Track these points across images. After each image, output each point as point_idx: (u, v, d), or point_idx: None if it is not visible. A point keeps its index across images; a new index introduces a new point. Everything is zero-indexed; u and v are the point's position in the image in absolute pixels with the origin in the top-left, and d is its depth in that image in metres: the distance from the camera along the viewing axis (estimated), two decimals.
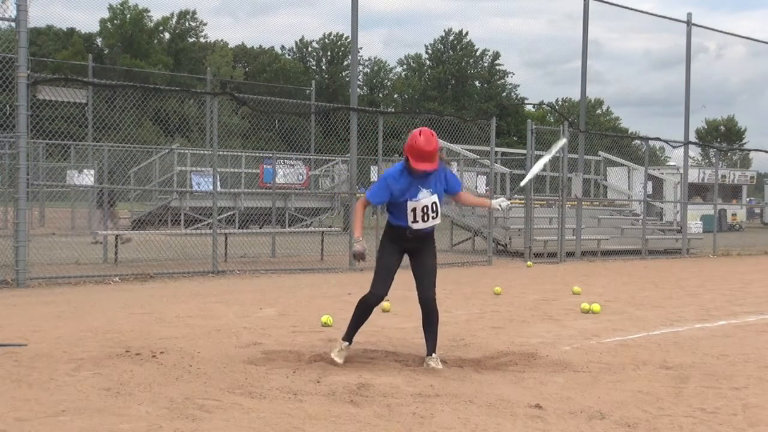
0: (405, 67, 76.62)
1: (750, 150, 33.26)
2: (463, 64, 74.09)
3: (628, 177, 24.23)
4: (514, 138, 54.80)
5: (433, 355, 5.94)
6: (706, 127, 64.43)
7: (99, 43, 63.49)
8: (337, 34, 71.96)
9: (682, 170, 22.72)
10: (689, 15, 20.41)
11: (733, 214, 36.52)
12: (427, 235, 5.99)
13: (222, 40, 67.06)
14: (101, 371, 5.51)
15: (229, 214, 20.62)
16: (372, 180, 18.79)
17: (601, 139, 25.55)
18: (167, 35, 67.60)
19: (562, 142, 6.34)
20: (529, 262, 16.01)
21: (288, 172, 22.85)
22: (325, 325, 7.54)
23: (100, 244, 14.24)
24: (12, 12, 10.35)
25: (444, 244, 17.71)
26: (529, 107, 64.78)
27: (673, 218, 23.20)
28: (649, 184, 22.14)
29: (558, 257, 17.08)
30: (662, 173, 27.75)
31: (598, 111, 72.35)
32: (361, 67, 67.00)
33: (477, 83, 76.07)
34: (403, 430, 4.37)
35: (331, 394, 5.05)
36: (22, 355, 5.97)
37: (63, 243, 14.54)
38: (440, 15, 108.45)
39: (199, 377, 5.43)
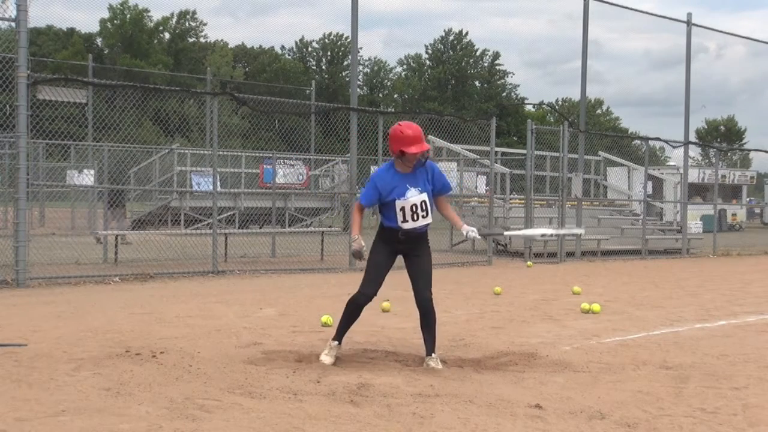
0: (405, 67, 76.72)
1: (750, 150, 33.30)
2: (463, 64, 74.10)
3: (628, 177, 24.21)
4: (514, 138, 54.78)
5: (433, 355, 5.94)
6: (706, 127, 64.43)
7: (99, 43, 63.48)
8: (337, 34, 72.05)
9: (682, 170, 22.73)
10: (689, 15, 20.43)
11: (733, 214, 36.51)
12: (420, 236, 5.96)
13: (222, 40, 67.14)
14: (101, 371, 5.51)
15: (229, 214, 20.62)
16: None
17: (601, 139, 25.56)
18: (167, 35, 67.59)
19: (580, 231, 6.14)
20: (529, 262, 16.01)
21: (288, 172, 22.86)
22: (325, 325, 7.54)
23: (103, 244, 14.21)
24: (12, 12, 10.37)
25: (444, 244, 17.72)
26: (529, 107, 64.83)
27: (673, 218, 23.19)
28: (649, 184, 22.14)
29: (558, 257, 17.08)
30: (662, 173, 27.74)
31: (598, 111, 72.32)
32: (361, 67, 67.03)
33: (477, 83, 76.08)
34: (403, 430, 4.37)
35: (331, 394, 5.05)
36: (22, 355, 5.97)
37: (63, 243, 14.53)
38: (440, 15, 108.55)
39: (199, 377, 5.43)
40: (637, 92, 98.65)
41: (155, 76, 45.26)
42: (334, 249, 14.91)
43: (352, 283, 6.00)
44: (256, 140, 32.69)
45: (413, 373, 5.71)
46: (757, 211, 43.58)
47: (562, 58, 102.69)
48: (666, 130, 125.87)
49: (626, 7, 19.81)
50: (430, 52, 75.64)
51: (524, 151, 18.13)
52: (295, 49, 74.24)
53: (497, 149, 18.80)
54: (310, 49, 74.88)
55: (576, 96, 26.85)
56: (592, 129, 31.49)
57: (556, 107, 59.79)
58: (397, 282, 6.06)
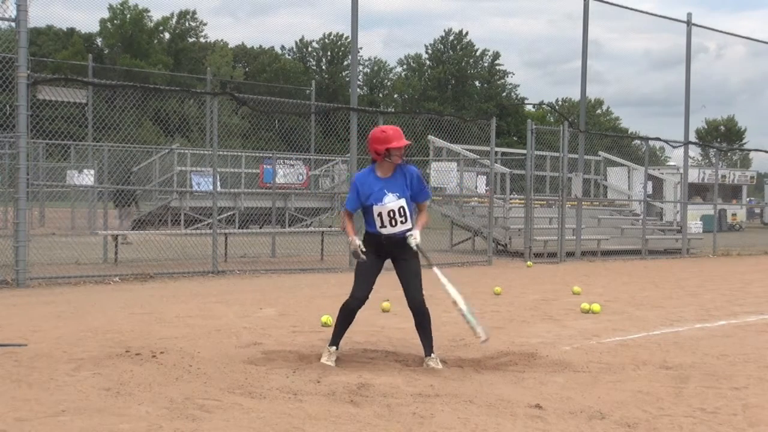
0: (405, 67, 76.73)
1: (750, 150, 33.29)
2: (463, 64, 74.11)
3: (628, 177, 24.20)
4: (514, 138, 54.76)
5: (433, 355, 5.94)
6: (706, 127, 64.41)
7: (99, 43, 63.49)
8: (337, 34, 72.04)
9: (682, 170, 22.72)
10: (689, 15, 20.42)
11: (733, 214, 36.51)
12: (404, 240, 5.91)
13: (222, 40, 67.15)
14: (101, 371, 5.51)
15: (229, 214, 20.61)
16: None
17: (601, 139, 25.55)
18: (167, 35, 67.60)
19: (479, 329, 5.83)
20: (529, 262, 16.01)
21: (288, 172, 22.84)
22: (325, 325, 7.53)
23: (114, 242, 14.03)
24: (12, 12, 10.37)
25: (444, 244, 17.72)
26: (529, 107, 64.90)
27: (673, 218, 23.19)
28: (649, 184, 22.13)
29: (558, 257, 17.08)
30: (662, 173, 27.73)
31: (598, 111, 72.32)
32: (361, 67, 67.03)
33: (477, 83, 76.09)
34: (403, 430, 4.37)
35: (331, 394, 5.05)
36: (22, 355, 5.97)
37: (63, 243, 14.53)
38: (440, 15, 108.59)
39: (199, 377, 5.43)
40: (637, 92, 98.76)
41: (155, 76, 45.26)
42: (334, 249, 14.91)
43: (351, 283, 6.02)
44: (256, 140, 32.67)
45: (413, 373, 5.71)
46: (757, 211, 43.59)
47: (562, 58, 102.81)
48: (666, 130, 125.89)
49: (626, 7, 19.81)
50: (430, 52, 75.68)
51: (524, 151, 18.13)
52: (295, 49, 74.33)
53: (497, 149, 18.80)
54: (310, 49, 74.92)
55: (576, 96, 26.85)
56: (592, 129, 31.48)
57: (556, 107, 59.83)
58: (397, 282, 6.06)
